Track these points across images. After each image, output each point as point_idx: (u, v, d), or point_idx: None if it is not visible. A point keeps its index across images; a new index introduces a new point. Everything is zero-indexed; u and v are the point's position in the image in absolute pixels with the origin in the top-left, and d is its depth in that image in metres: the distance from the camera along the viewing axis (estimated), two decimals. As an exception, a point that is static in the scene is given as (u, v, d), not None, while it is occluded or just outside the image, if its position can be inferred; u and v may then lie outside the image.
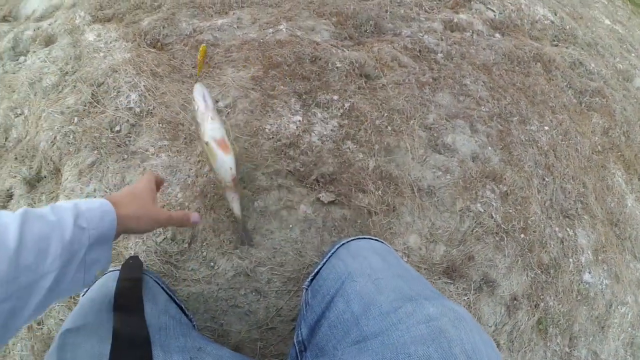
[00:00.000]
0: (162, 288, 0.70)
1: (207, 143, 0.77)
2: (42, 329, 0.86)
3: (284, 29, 1.25)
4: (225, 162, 0.77)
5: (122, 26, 1.28)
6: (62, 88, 1.12)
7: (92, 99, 1.07)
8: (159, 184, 0.73)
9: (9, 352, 0.87)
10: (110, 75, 1.11)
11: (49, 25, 1.34)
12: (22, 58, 1.28)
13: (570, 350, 1.11)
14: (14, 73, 1.23)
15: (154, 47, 1.22)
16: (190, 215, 0.68)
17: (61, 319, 0.86)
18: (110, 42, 1.22)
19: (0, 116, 1.12)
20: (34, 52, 1.26)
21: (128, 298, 0.59)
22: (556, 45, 1.66)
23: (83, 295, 0.65)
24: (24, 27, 1.37)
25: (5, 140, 1.10)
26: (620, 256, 1.28)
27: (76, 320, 0.53)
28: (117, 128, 1.03)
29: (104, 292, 0.59)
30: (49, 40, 1.31)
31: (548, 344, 1.07)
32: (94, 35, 1.25)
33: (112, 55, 1.18)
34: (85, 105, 1.07)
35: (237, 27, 1.28)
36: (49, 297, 0.43)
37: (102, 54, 1.18)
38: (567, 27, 1.79)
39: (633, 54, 2.04)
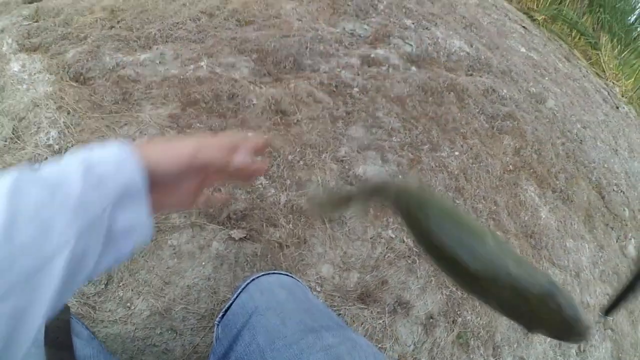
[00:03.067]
0: (83, 326, 0.72)
1: None
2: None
3: (204, 66, 1.31)
4: None
5: (48, 57, 1.29)
6: None
7: (13, 134, 1.07)
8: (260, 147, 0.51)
9: None
10: (31, 110, 1.11)
11: None
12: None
13: (495, 359, 1.16)
14: None
15: (77, 81, 1.24)
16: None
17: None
18: (34, 74, 1.23)
19: None
20: None
21: (58, 333, 0.59)
22: (471, 75, 1.81)
23: None
24: None
25: None
26: (537, 264, 1.37)
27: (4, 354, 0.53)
28: (37, 166, 1.02)
29: None
30: None
31: (471, 356, 1.12)
32: (19, 66, 1.26)
33: (35, 88, 1.18)
34: (5, 141, 1.06)
35: (159, 62, 1.33)
36: (70, 284, 0.34)
37: (25, 86, 1.19)
38: (483, 57, 1.96)
39: (547, 78, 2.24)
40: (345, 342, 0.57)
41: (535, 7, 2.90)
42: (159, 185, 0.41)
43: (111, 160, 0.38)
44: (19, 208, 0.31)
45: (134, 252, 0.40)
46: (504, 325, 1.20)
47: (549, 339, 1.28)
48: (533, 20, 2.79)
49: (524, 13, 2.83)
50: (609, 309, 0.41)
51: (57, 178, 0.35)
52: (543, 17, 2.80)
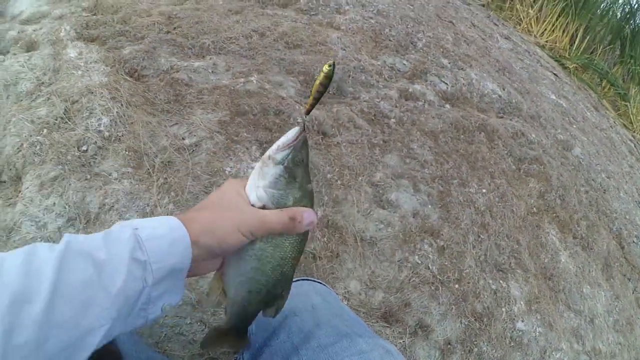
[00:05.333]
0: None
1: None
2: None
3: (254, 81, 1.42)
4: None
5: (104, 50, 1.35)
6: (36, 97, 1.15)
7: (64, 114, 1.10)
8: None
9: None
10: (85, 95, 1.15)
11: (34, 31, 1.38)
12: (0, 57, 1.28)
13: (507, 395, 1.19)
14: (-10, 70, 1.23)
15: (131, 77, 1.30)
16: (298, 213, 0.47)
17: None
18: (90, 63, 1.28)
19: (-33, 111, 1.12)
20: (14, 54, 1.29)
21: None
22: (501, 117, 1.89)
23: None
24: (9, 26, 1.41)
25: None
26: (553, 306, 1.40)
27: None
28: (84, 148, 1.06)
29: None
30: (31, 47, 1.34)
31: (483, 389, 1.16)
32: (75, 52, 1.30)
33: (90, 76, 1.22)
34: (56, 120, 1.09)
35: (212, 72, 1.43)
36: (100, 344, 0.35)
37: (80, 72, 1.23)
38: (514, 100, 2.03)
39: (574, 126, 2.30)
40: (377, 349, 0.61)
41: (567, 55, 2.98)
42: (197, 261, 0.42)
43: (163, 240, 0.39)
44: (63, 286, 0.32)
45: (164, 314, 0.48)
46: (518, 361, 1.23)
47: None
48: (564, 67, 2.86)
49: (556, 60, 2.91)
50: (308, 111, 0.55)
51: (107, 257, 0.35)
52: (574, 65, 2.87)
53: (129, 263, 0.36)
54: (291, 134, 0.49)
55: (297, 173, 0.49)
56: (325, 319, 0.69)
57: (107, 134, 1.11)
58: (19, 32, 1.39)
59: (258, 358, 0.71)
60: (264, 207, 0.48)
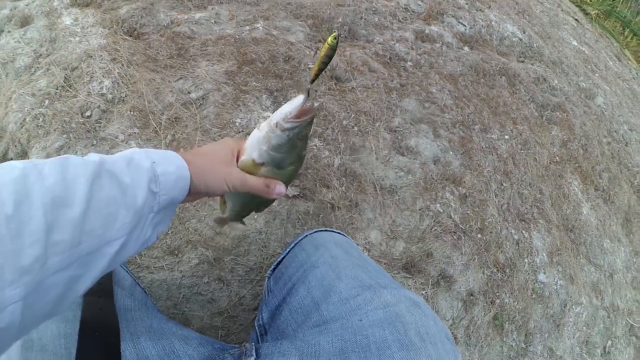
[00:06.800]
0: (128, 272, 0.72)
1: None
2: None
3: (260, 28, 1.30)
4: None
5: (100, 12, 1.29)
6: (35, 70, 1.12)
7: (65, 82, 1.08)
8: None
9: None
10: (84, 60, 1.11)
11: (26, 5, 1.33)
12: (-4, 38, 1.26)
13: (526, 346, 1.16)
14: (-14, 52, 1.23)
15: (131, 36, 1.24)
16: (273, 183, 0.57)
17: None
18: (87, 28, 1.23)
19: (-30, 96, 1.12)
20: (9, 32, 1.25)
21: (100, 280, 0.60)
22: (522, 62, 1.76)
23: None
24: (1, 5, 1.36)
25: (-28, 120, 1.10)
26: (574, 259, 1.35)
27: None
28: (88, 113, 1.04)
29: None
30: (25, 21, 1.30)
31: (504, 339, 1.12)
32: (70, 19, 1.25)
33: (87, 40, 1.18)
34: (57, 89, 1.07)
35: (215, 22, 1.32)
36: (112, 262, 0.40)
37: (77, 39, 1.19)
38: (535, 45, 1.89)
39: (597, 74, 2.17)
40: (404, 301, 0.56)
41: (588, 1, 2.78)
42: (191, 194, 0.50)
43: (173, 175, 0.45)
44: (94, 199, 0.36)
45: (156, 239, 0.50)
46: (539, 314, 1.19)
47: (577, 334, 1.28)
48: (586, 14, 2.68)
49: (577, 5, 2.72)
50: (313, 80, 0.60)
51: (130, 181, 0.41)
52: (596, 11, 2.68)
53: (146, 191, 0.42)
54: (296, 102, 0.52)
55: (299, 144, 0.56)
56: (346, 271, 0.64)
57: (110, 96, 1.07)
58: (11, 10, 1.32)
59: (277, 316, 0.66)
60: (263, 164, 0.55)
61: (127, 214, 0.39)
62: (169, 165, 0.45)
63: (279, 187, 0.57)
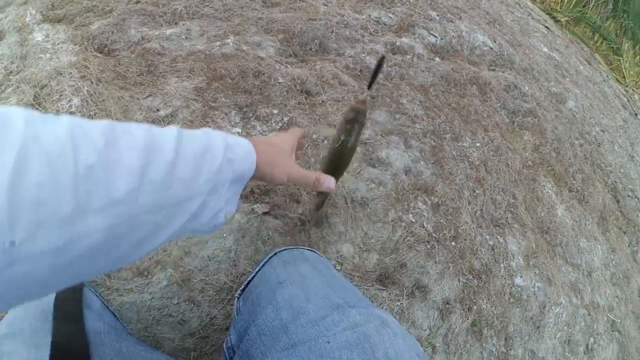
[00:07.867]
0: (96, 295, 0.71)
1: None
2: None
3: (231, 43, 1.31)
4: None
5: (72, 28, 1.29)
6: (5, 87, 1.12)
7: (34, 100, 1.07)
8: (301, 143, 0.74)
9: None
10: (54, 77, 1.11)
11: None
12: (-34, 55, 1.25)
13: (507, 350, 1.16)
14: (-44, 69, 1.21)
15: (101, 52, 1.24)
16: (324, 178, 0.64)
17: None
18: (58, 44, 1.23)
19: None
20: None
21: (68, 305, 0.58)
22: (493, 70, 1.80)
23: None
24: None
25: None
26: (551, 261, 1.36)
27: (11, 326, 0.52)
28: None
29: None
30: None
31: (484, 345, 1.12)
32: (42, 36, 1.25)
33: (58, 57, 1.18)
34: (26, 107, 1.06)
35: (186, 37, 1.33)
36: (186, 226, 0.41)
37: (48, 55, 1.19)
38: (506, 53, 1.94)
39: (568, 79, 2.22)
40: (372, 320, 0.55)
41: (558, 8, 2.87)
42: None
43: (244, 149, 0.49)
44: (181, 152, 0.38)
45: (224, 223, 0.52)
46: (517, 317, 1.20)
47: (559, 334, 1.28)
48: (556, 21, 2.76)
49: (547, 13, 2.80)
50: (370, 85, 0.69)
51: (208, 144, 0.43)
52: (566, 18, 2.77)
53: (222, 155, 0.44)
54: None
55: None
56: (315, 290, 0.63)
57: (78, 114, 1.06)
58: (-16, 26, 1.32)
59: (245, 338, 0.64)
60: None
61: (209, 172, 0.42)
62: (238, 139, 0.50)
63: (329, 181, 0.65)
